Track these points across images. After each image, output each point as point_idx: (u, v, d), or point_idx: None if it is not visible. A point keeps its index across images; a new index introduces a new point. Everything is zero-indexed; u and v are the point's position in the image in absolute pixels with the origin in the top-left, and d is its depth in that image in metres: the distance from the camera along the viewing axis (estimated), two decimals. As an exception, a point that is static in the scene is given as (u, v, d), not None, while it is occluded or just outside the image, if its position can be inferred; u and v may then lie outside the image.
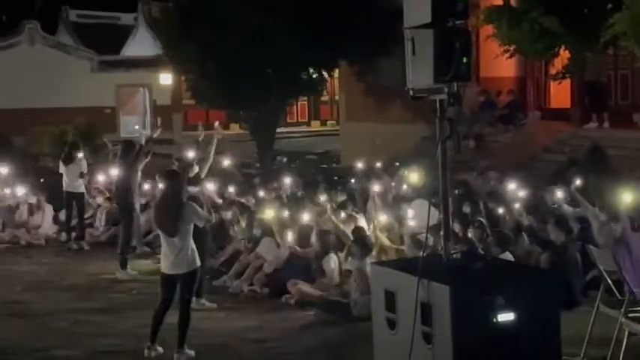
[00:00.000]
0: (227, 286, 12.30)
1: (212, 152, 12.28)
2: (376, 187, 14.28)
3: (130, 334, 9.69)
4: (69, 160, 16.06)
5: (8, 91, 34.35)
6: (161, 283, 8.96)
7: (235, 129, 32.70)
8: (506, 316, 5.82)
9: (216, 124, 14.54)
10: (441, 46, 5.96)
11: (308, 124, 47.42)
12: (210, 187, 13.64)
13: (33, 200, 17.37)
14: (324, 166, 27.07)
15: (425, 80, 6.07)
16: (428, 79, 6.03)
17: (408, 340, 5.92)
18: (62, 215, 17.10)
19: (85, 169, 16.34)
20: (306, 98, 40.29)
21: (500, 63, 22.93)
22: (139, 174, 14.32)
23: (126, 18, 43.43)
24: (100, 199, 17.31)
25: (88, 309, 11.23)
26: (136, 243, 14.71)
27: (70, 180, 16.03)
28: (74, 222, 16.38)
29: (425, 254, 6.41)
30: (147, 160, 14.16)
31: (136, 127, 33.60)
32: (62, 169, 16.23)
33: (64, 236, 16.74)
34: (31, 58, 36.30)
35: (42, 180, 20.03)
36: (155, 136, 15.11)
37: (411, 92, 6.31)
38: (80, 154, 16.27)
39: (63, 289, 12.75)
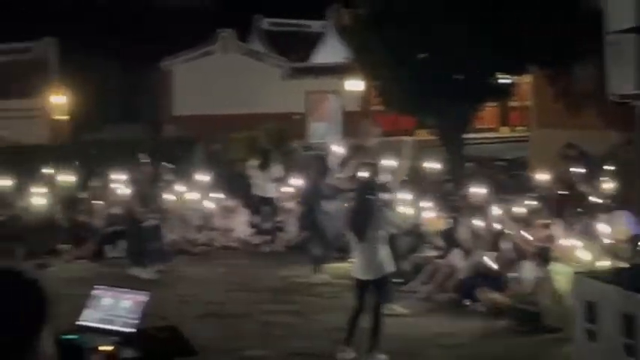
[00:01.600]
0: (416, 291, 12.30)
1: (406, 160, 12.32)
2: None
3: (321, 337, 9.83)
4: (264, 166, 16.58)
5: (203, 97, 35.63)
6: (354, 288, 9.05)
7: (423, 135, 32.63)
8: None
9: (407, 138, 14.54)
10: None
11: (496, 129, 46.68)
12: (402, 193, 13.67)
13: (229, 204, 17.93)
14: (515, 172, 26.56)
15: (628, 86, 5.90)
16: (631, 85, 5.85)
17: (609, 352, 5.75)
18: (255, 219, 17.59)
19: (279, 175, 16.79)
20: (494, 104, 39.67)
21: None
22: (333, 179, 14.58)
23: (316, 25, 44.10)
24: (291, 204, 17.66)
25: (281, 311, 11.46)
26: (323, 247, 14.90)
27: (264, 184, 16.52)
28: (267, 225, 16.83)
29: (630, 265, 6.21)
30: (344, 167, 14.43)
31: (327, 137, 34.10)
32: (256, 173, 16.74)
33: (256, 239, 17.21)
34: (225, 65, 37.44)
35: (236, 184, 20.62)
36: (369, 145, 15.26)
37: (614, 98, 6.14)
38: (275, 161, 16.77)
39: (256, 291, 13.06)
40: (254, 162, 17.22)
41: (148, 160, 15.81)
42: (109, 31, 41.97)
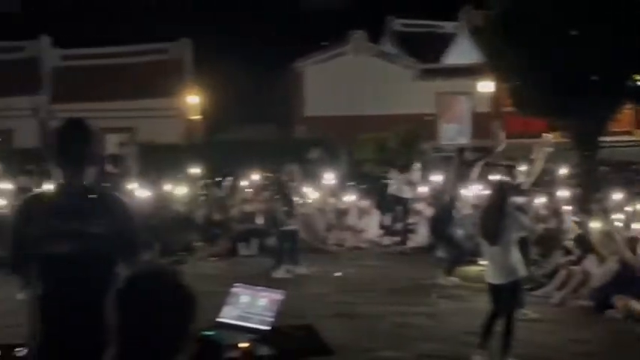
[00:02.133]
0: (548, 297, 12.11)
1: (540, 163, 12.14)
2: None
3: (453, 340, 9.77)
4: (405, 168, 16.67)
5: (334, 98, 35.88)
6: (488, 292, 8.98)
7: (555, 137, 32.01)
8: None
9: (546, 135, 14.33)
10: None
11: (631, 133, 45.39)
12: (538, 197, 13.50)
13: (361, 205, 18.04)
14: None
15: None
16: None
17: None
18: (387, 220, 17.64)
19: (417, 179, 16.85)
20: (630, 106, 38.55)
21: None
22: (465, 182, 14.51)
23: (448, 27, 43.83)
24: (423, 206, 17.64)
25: (412, 313, 11.44)
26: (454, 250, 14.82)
27: (399, 185, 16.59)
28: (398, 226, 16.87)
29: None
30: (477, 169, 14.33)
31: (458, 138, 33.88)
32: (393, 175, 16.85)
33: (386, 240, 17.25)
34: (356, 66, 37.59)
35: (367, 185, 20.72)
36: (499, 149, 15.20)
37: None
38: (416, 164, 16.85)
39: (386, 291, 13.09)
40: (395, 162, 17.35)
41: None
42: (243, 32, 42.72)
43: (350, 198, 18.18)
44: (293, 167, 15.50)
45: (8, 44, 35.51)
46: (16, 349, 5.14)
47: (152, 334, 2.48)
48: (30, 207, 4.43)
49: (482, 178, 15.77)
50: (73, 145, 4.41)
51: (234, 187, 20.00)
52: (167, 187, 20.13)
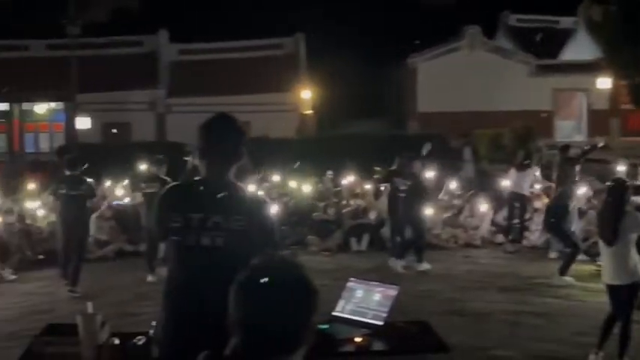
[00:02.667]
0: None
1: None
2: None
3: (567, 341, 9.61)
4: (521, 165, 16.51)
5: (447, 94, 35.67)
6: (607, 293, 8.80)
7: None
8: None
9: None
10: None
11: None
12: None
13: (476, 201, 17.93)
14: None
15: None
16: None
17: None
18: (499, 217, 17.46)
19: (533, 176, 16.71)
20: None
21: None
22: (574, 179, 14.29)
23: (565, 22, 43.06)
24: (538, 203, 17.37)
25: (524, 312, 11.29)
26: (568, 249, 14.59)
27: (517, 182, 16.45)
28: (513, 224, 16.70)
29: None
30: (578, 166, 14.12)
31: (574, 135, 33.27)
32: (510, 172, 16.74)
33: (499, 238, 17.07)
34: (470, 62, 37.30)
35: (481, 181, 20.55)
36: (600, 146, 14.95)
37: None
38: (531, 163, 16.68)
39: (499, 289, 12.95)
40: (514, 158, 17.20)
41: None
42: (356, 27, 42.79)
43: (465, 194, 18.06)
44: (417, 163, 15.40)
45: (128, 39, 36.43)
46: (137, 337, 5.28)
47: (274, 326, 2.52)
48: (172, 198, 4.56)
49: (583, 175, 15.61)
50: (223, 141, 4.50)
51: (345, 183, 20.10)
52: (278, 181, 20.40)
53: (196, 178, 4.64)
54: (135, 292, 13.00)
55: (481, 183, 20.70)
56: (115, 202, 18.29)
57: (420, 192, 14.87)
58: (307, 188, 19.40)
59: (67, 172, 13.61)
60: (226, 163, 4.49)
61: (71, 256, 13.61)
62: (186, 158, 14.34)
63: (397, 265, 14.50)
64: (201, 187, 4.50)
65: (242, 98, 31.59)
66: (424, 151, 15.98)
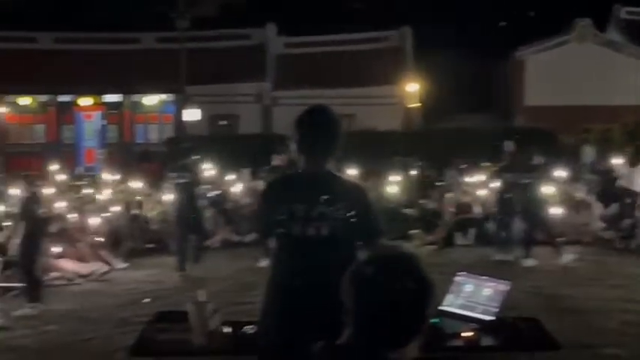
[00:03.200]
0: None
1: None
2: None
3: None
4: (635, 160, 16.23)
5: (555, 88, 35.02)
6: None
7: None
8: None
9: None
10: None
11: None
12: None
13: (584, 198, 17.58)
14: None
15: None
16: None
17: None
18: (609, 212, 17.12)
19: None
20: None
21: None
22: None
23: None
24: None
25: (634, 310, 11.02)
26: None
27: (629, 178, 16.16)
28: (624, 220, 16.35)
29: None
30: None
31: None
32: (622, 167, 16.43)
33: (609, 234, 16.71)
34: (580, 55, 36.52)
35: (590, 177, 20.15)
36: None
37: None
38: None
39: (609, 287, 12.67)
40: (622, 154, 16.90)
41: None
42: (462, 19, 42.42)
43: (573, 190, 17.73)
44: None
45: (236, 32, 36.86)
46: (247, 327, 5.34)
47: (388, 318, 2.51)
48: (276, 191, 4.62)
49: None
50: (320, 132, 4.55)
51: (449, 176, 19.98)
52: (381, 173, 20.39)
53: (296, 170, 4.70)
54: (240, 281, 13.17)
55: (598, 180, 20.28)
56: (214, 193, 18.48)
57: (539, 186, 14.75)
58: (412, 181, 19.33)
59: (180, 161, 14.08)
60: (325, 154, 4.54)
61: (184, 243, 14.12)
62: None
63: (527, 261, 14.39)
64: (303, 179, 4.56)
65: (347, 91, 31.61)
66: (505, 149, 15.73)
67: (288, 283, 4.44)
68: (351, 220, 4.40)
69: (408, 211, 17.74)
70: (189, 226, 14.24)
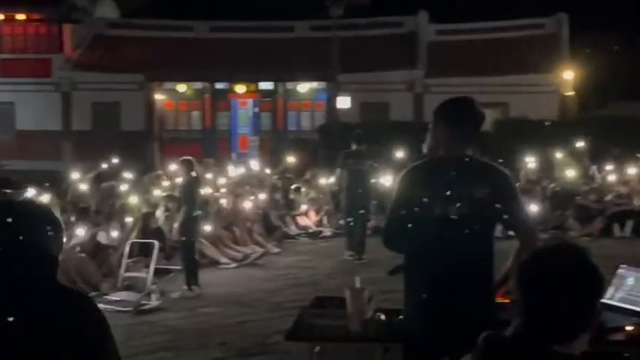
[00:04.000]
0: None
1: None
2: None
3: None
4: None
5: None
6: None
7: None
8: None
9: None
10: None
11: None
12: None
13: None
14: None
15: None
16: None
17: None
18: None
19: None
20: None
21: None
22: None
23: None
24: None
25: None
26: None
27: None
28: None
29: None
30: None
31: None
32: None
33: None
34: None
35: None
36: None
37: None
38: None
39: None
40: None
41: None
42: (620, 4, 41.04)
43: None
44: None
45: (388, 20, 36.82)
46: (400, 317, 5.34)
47: (557, 311, 2.47)
48: (418, 175, 4.69)
49: None
50: (461, 120, 4.65)
51: (608, 168, 19.45)
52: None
53: (437, 156, 4.81)
54: (389, 269, 13.15)
55: None
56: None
57: None
58: (570, 172, 18.89)
59: (354, 147, 14.17)
60: (466, 140, 4.64)
61: (356, 229, 14.27)
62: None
63: None
64: (445, 163, 4.63)
65: (500, 79, 31.11)
66: None
67: (431, 267, 4.50)
68: (492, 201, 4.48)
69: (578, 199, 17.34)
70: (360, 211, 14.33)
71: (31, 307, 2.52)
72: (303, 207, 18.09)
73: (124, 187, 16.62)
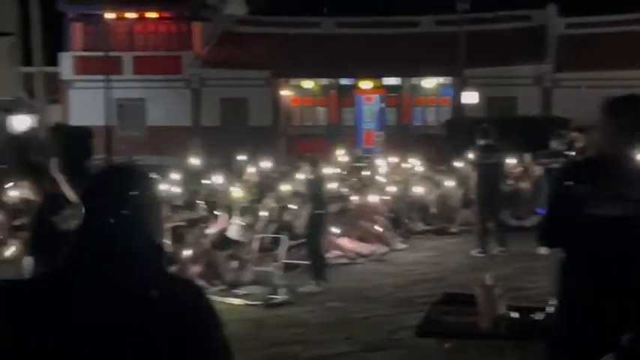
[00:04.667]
0: None
1: None
2: None
3: None
4: None
5: None
6: None
7: None
8: None
9: None
10: None
11: None
12: None
13: None
14: None
15: None
16: None
17: None
18: None
19: None
20: None
21: None
22: None
23: None
24: None
25: None
26: None
27: None
28: None
29: None
30: None
31: None
32: None
33: None
34: None
35: None
36: None
37: None
38: None
39: None
40: None
41: None
42: None
43: None
44: None
45: (516, 13, 36.32)
46: (535, 313, 5.29)
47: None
48: (576, 170, 4.61)
49: None
50: (624, 117, 4.50)
51: None
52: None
53: (601, 152, 4.64)
54: (517, 266, 13.01)
55: None
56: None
57: None
58: None
59: (482, 142, 14.06)
60: (632, 138, 4.45)
61: (488, 225, 14.18)
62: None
63: None
64: (604, 160, 4.49)
65: (635, 73, 30.24)
66: None
67: (588, 266, 4.37)
68: None
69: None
70: (491, 207, 14.21)
71: (146, 290, 2.56)
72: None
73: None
